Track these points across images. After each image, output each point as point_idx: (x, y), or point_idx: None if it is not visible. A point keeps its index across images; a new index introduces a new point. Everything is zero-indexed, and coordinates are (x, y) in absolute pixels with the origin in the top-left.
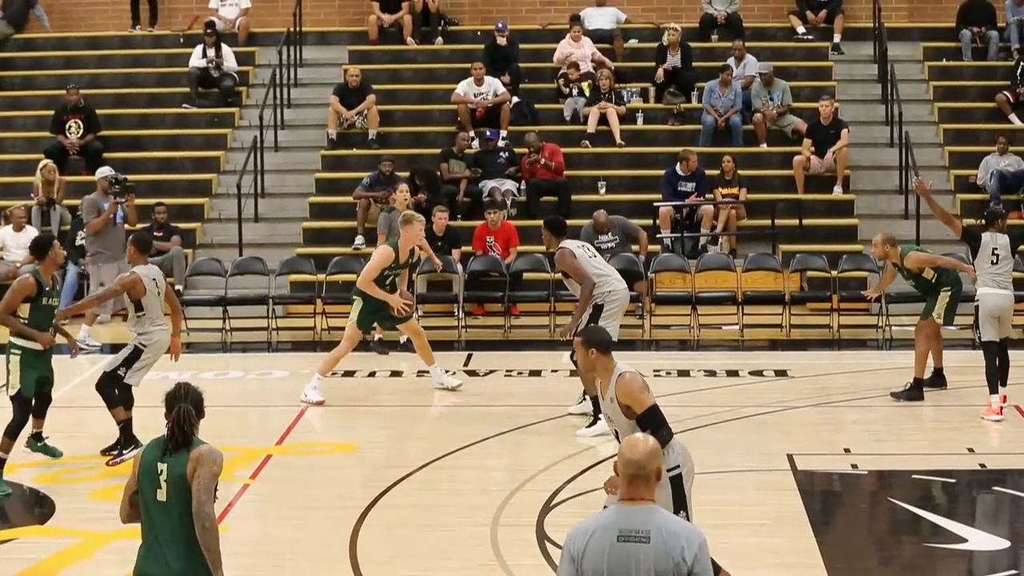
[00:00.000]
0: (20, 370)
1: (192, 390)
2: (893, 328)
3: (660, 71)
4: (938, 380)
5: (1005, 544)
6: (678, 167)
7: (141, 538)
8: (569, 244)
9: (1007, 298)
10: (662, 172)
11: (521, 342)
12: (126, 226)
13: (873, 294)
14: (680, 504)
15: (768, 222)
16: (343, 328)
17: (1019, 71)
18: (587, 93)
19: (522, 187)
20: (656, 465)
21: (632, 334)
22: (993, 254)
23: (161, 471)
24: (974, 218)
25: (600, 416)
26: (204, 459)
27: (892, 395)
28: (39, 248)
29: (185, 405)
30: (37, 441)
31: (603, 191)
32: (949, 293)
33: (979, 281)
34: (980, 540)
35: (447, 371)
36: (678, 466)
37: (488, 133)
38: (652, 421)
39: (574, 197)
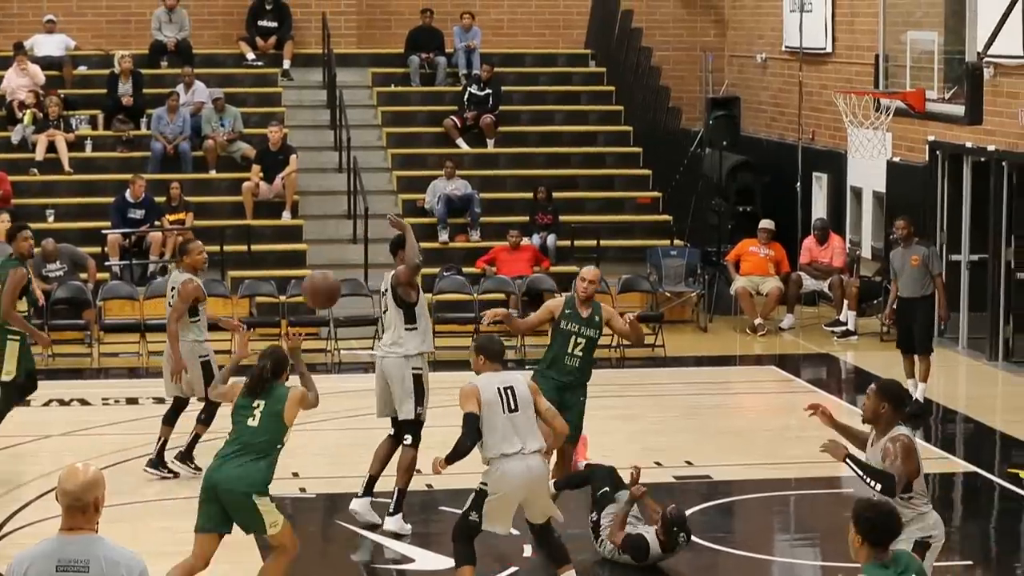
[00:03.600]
0: (18, 356)
1: (276, 350)
2: (342, 352)
3: (122, 99)
4: None
5: (452, 563)
6: (128, 194)
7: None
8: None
9: None
10: (111, 199)
11: None
12: None
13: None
14: (475, 507)
15: (217, 248)
16: None
17: (466, 96)
18: (34, 121)
19: None
20: (94, 496)
21: (81, 363)
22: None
23: (257, 405)
24: (426, 241)
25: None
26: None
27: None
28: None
29: (266, 361)
30: None
31: (51, 219)
32: None
33: None
34: (427, 560)
35: None
36: (486, 484)
37: None
38: (464, 425)
39: None
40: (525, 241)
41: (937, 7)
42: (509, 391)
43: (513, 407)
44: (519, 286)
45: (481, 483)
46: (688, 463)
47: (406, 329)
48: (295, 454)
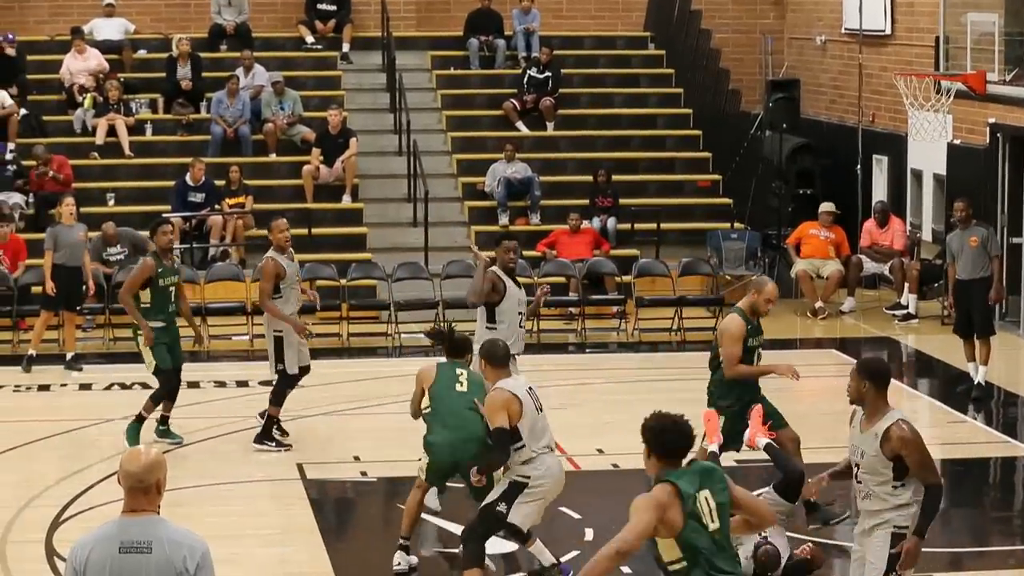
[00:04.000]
0: (152, 348)
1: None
2: (403, 336)
3: (182, 83)
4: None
5: (516, 547)
6: (188, 177)
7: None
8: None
9: None
10: (172, 183)
11: (28, 357)
12: None
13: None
14: (505, 499)
15: None
16: None
17: (525, 79)
18: (94, 105)
19: (30, 200)
20: (156, 478)
21: None
22: None
23: (461, 373)
24: (486, 224)
25: None
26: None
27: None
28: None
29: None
30: (162, 425)
31: (112, 203)
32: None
33: None
34: (498, 544)
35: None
36: (528, 477)
37: None
38: (495, 440)
39: (83, 209)
40: (585, 224)
41: None
42: (531, 391)
43: (540, 406)
44: (579, 269)
45: (519, 476)
46: (749, 447)
47: (487, 327)
48: (356, 437)
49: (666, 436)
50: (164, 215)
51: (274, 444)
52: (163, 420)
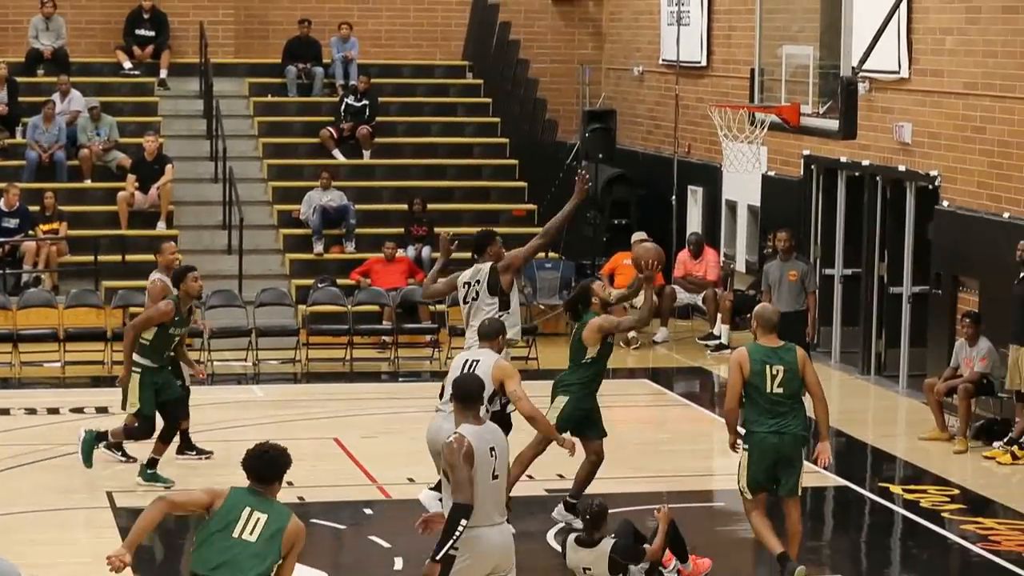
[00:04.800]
0: (140, 389)
1: None
2: (216, 363)
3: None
4: None
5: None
6: (1, 203)
7: None
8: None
9: None
10: None
11: None
12: None
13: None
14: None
15: (91, 258)
16: None
17: (343, 107)
18: None
19: None
20: None
21: None
22: None
23: None
24: (300, 252)
25: None
26: None
27: None
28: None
29: None
30: (149, 468)
31: None
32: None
33: None
34: (303, 572)
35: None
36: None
37: None
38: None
39: None
40: (400, 253)
41: (813, 22)
42: (473, 362)
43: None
44: (393, 298)
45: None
46: (560, 476)
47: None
48: (165, 464)
49: (256, 466)
50: None
51: (194, 453)
52: (151, 463)
